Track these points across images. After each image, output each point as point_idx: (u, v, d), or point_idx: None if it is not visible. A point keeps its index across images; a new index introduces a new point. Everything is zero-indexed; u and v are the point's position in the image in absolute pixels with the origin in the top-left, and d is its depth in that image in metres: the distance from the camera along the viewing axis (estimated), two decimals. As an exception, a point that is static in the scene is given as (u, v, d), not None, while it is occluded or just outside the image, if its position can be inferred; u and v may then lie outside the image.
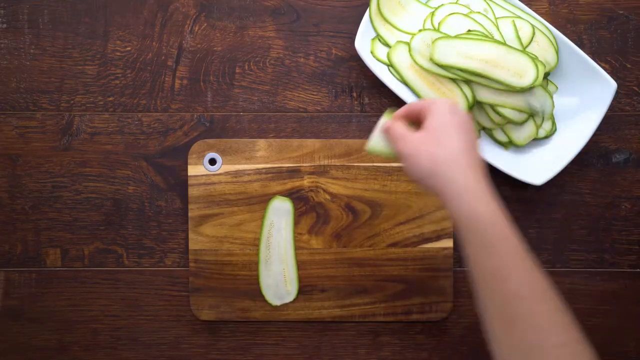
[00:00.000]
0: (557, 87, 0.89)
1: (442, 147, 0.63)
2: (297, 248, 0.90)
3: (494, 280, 0.58)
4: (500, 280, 0.57)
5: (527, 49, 0.86)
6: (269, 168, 0.90)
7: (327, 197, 0.90)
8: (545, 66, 0.86)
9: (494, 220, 0.59)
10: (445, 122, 0.64)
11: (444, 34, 0.85)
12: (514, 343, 0.56)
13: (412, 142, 0.65)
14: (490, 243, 0.58)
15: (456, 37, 0.84)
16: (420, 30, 0.86)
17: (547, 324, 0.56)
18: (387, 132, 0.70)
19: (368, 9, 0.88)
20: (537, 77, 0.82)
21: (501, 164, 0.87)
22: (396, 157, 0.70)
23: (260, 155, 0.90)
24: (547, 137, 0.89)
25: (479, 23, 0.86)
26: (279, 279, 0.90)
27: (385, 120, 0.72)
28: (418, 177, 0.65)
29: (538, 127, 0.88)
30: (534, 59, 0.83)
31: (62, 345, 0.91)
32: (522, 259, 0.58)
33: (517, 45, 0.85)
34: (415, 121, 0.70)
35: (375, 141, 0.72)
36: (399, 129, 0.68)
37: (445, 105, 0.66)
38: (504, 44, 0.83)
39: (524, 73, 0.83)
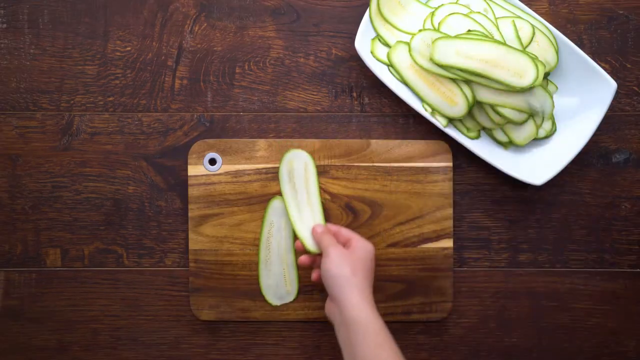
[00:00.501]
0: (557, 87, 0.89)
1: (361, 266, 0.80)
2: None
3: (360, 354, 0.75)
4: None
5: (527, 49, 0.86)
6: (269, 168, 0.90)
7: (327, 197, 0.90)
8: (545, 66, 0.86)
9: (368, 322, 0.76)
10: (367, 249, 0.81)
11: (444, 34, 0.85)
12: None
13: (339, 253, 0.80)
14: (364, 337, 0.76)
15: (456, 37, 0.84)
16: (420, 30, 0.86)
17: None
18: (318, 236, 0.84)
19: (368, 9, 0.88)
20: (537, 77, 0.82)
21: (501, 164, 0.87)
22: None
23: (260, 155, 0.90)
24: (547, 137, 0.89)
25: (479, 23, 0.86)
26: (279, 279, 0.90)
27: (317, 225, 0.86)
28: (330, 279, 0.79)
29: (538, 127, 0.88)
30: (534, 59, 0.83)
31: (62, 345, 0.91)
32: (378, 344, 0.75)
33: (517, 46, 0.85)
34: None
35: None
36: (329, 241, 0.83)
37: (372, 250, 0.82)
38: (504, 44, 0.83)
39: (524, 73, 0.83)
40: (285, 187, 0.88)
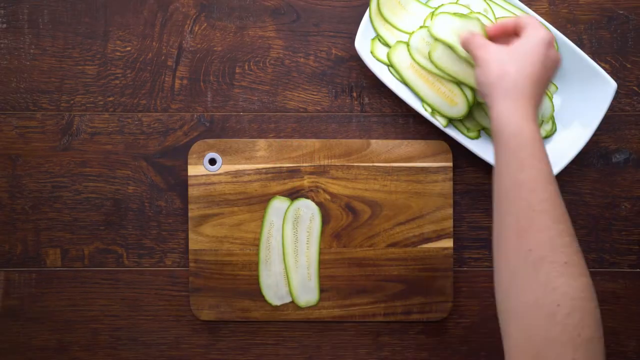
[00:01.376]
0: (557, 87, 0.89)
1: (516, 66, 0.68)
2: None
3: (521, 190, 0.62)
4: (527, 191, 0.62)
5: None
6: (269, 168, 0.90)
7: (327, 197, 0.90)
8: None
9: (534, 141, 0.64)
10: (533, 50, 0.69)
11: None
12: (521, 254, 0.60)
13: (494, 51, 0.70)
14: (526, 158, 0.63)
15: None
16: (419, 27, 0.86)
17: (558, 242, 0.60)
18: (468, 39, 0.74)
19: (368, 9, 0.88)
20: None
21: (501, 164, 0.87)
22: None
23: (260, 155, 0.90)
24: (547, 137, 0.89)
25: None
26: (279, 279, 0.90)
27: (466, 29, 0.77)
28: (483, 82, 0.70)
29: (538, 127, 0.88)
30: None
31: (62, 345, 0.91)
32: (549, 181, 0.62)
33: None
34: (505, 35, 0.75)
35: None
36: (483, 40, 0.73)
37: (545, 37, 0.70)
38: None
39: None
40: (288, 228, 0.89)
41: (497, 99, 0.67)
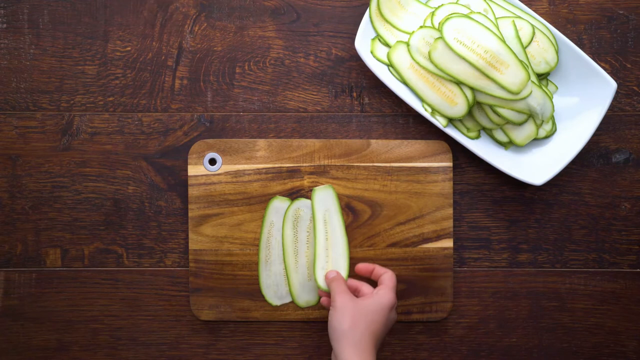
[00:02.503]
0: (557, 87, 0.89)
1: (365, 323, 0.78)
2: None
3: None
4: None
5: (527, 49, 0.86)
6: (269, 168, 0.90)
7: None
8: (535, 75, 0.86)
9: None
10: (381, 312, 0.79)
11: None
12: None
13: (350, 301, 0.80)
14: None
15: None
16: (419, 27, 0.86)
17: None
18: (333, 280, 0.83)
19: (368, 9, 0.88)
20: (529, 87, 0.83)
21: (501, 164, 0.87)
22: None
23: (260, 155, 0.90)
24: (547, 137, 0.89)
25: (479, 23, 0.86)
26: (279, 279, 0.90)
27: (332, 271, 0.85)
28: (336, 327, 0.79)
29: (538, 127, 0.88)
30: (526, 66, 0.84)
31: (62, 345, 0.91)
32: None
33: (517, 45, 0.85)
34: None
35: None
36: (345, 287, 0.82)
37: (392, 302, 0.81)
38: (503, 41, 0.84)
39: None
40: (288, 228, 0.89)
41: (346, 348, 0.77)
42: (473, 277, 0.91)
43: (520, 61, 0.83)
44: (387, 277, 0.83)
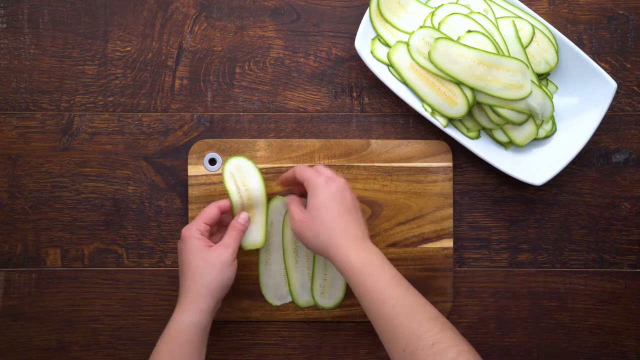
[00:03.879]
0: (557, 87, 0.89)
1: (320, 221, 0.78)
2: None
3: (374, 306, 0.74)
4: (379, 305, 0.73)
5: (527, 49, 0.86)
6: (269, 168, 0.90)
7: (327, 197, 0.89)
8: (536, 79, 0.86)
9: (363, 265, 0.75)
10: (321, 199, 0.79)
11: (444, 33, 0.85)
12: (398, 352, 0.71)
13: (298, 222, 0.80)
14: (363, 283, 0.74)
15: (456, 41, 0.84)
16: (419, 27, 0.86)
17: (420, 331, 0.71)
18: (287, 206, 0.84)
19: (368, 9, 0.88)
20: (530, 90, 0.83)
21: (501, 164, 0.87)
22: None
23: (260, 155, 0.90)
24: (547, 137, 0.89)
25: (479, 23, 0.86)
26: (279, 279, 0.90)
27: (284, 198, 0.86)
28: (309, 248, 0.80)
29: (538, 127, 0.88)
30: (527, 66, 0.84)
31: (62, 345, 0.91)
32: (394, 285, 0.74)
33: (517, 45, 0.85)
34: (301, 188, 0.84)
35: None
36: (292, 209, 0.82)
37: (321, 181, 0.80)
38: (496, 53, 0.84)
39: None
40: (288, 228, 0.89)
41: (327, 254, 0.78)
42: (473, 277, 0.91)
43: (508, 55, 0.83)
44: (311, 173, 0.81)
